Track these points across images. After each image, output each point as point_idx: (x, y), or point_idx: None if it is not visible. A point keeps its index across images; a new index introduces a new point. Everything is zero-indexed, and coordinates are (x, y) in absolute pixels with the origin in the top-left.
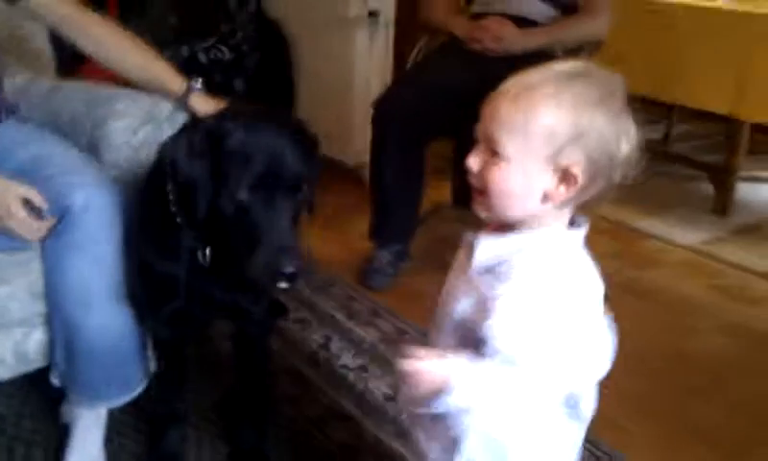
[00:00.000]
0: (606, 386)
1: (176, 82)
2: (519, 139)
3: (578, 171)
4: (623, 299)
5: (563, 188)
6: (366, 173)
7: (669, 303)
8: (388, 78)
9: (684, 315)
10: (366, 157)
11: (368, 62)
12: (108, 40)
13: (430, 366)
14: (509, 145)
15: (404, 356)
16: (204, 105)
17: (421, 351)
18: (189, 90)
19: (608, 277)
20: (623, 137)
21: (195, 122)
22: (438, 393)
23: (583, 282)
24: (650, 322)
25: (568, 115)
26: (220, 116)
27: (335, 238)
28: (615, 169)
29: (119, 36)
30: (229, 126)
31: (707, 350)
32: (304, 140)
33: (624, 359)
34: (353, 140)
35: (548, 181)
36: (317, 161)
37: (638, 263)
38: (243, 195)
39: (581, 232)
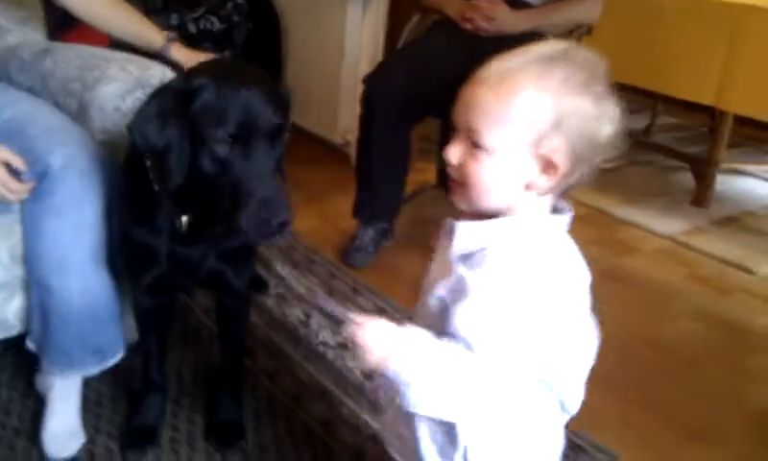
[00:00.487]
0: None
1: (156, 35)
2: (501, 129)
3: (560, 158)
4: (601, 283)
5: (545, 177)
6: (352, 150)
7: (646, 289)
8: (379, 55)
9: (660, 301)
10: (352, 135)
11: (359, 39)
12: None
13: (380, 330)
14: (490, 136)
15: (356, 322)
16: (184, 55)
17: (373, 317)
18: (168, 41)
19: (587, 261)
20: (605, 121)
21: (162, 86)
22: (385, 359)
23: (564, 271)
24: (626, 307)
25: (550, 101)
26: (187, 75)
27: (318, 214)
28: (597, 153)
29: None
30: (199, 82)
31: (679, 335)
32: (277, 92)
33: (606, 346)
34: (340, 117)
35: (530, 170)
36: (288, 115)
37: (618, 250)
38: (222, 150)
39: (564, 219)
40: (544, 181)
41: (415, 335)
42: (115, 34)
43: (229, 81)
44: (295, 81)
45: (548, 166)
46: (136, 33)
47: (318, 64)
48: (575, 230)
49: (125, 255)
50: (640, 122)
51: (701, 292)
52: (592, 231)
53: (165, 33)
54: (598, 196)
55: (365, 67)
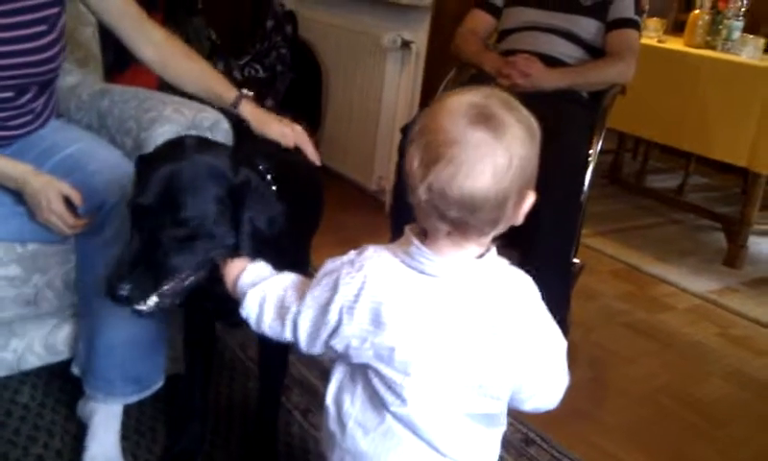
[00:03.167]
0: (607, 420)
1: (228, 90)
2: None
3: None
4: (633, 339)
5: None
6: (385, 197)
7: (678, 346)
8: (415, 106)
9: (692, 359)
10: (386, 182)
11: (396, 91)
12: (168, 49)
13: (233, 264)
14: None
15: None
16: (252, 113)
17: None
18: (240, 98)
19: (619, 316)
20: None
21: None
22: (233, 285)
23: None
24: (658, 362)
25: None
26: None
27: None
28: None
29: (176, 44)
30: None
31: (711, 394)
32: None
33: (630, 396)
34: (375, 165)
35: None
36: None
37: (650, 306)
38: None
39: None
40: None
41: (254, 267)
42: (186, 85)
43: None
44: (334, 128)
45: None
46: (209, 87)
47: (356, 114)
48: (610, 285)
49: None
50: (673, 181)
51: (733, 352)
52: (625, 287)
53: (238, 91)
54: (631, 252)
55: (401, 118)
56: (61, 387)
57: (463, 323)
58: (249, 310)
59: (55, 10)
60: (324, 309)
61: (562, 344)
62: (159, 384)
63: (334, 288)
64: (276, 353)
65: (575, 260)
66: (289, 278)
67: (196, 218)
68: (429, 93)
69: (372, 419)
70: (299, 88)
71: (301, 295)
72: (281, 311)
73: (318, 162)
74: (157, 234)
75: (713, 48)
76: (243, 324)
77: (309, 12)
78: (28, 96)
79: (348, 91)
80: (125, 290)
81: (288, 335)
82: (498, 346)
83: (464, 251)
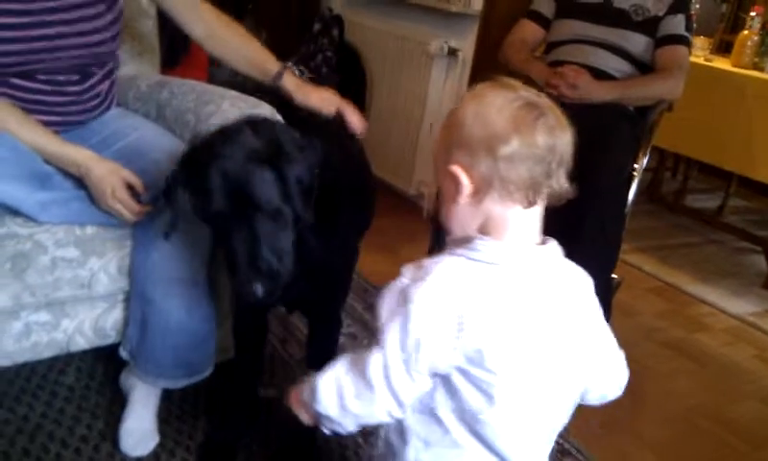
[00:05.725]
0: (643, 435)
1: (272, 62)
2: None
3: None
4: (670, 357)
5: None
6: (424, 203)
7: (715, 366)
8: None
9: (729, 380)
10: (426, 188)
11: (440, 98)
12: (214, 22)
13: (296, 392)
14: None
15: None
16: (294, 85)
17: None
18: (283, 70)
19: (656, 333)
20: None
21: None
22: (309, 413)
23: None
24: (694, 381)
25: None
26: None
27: (390, 261)
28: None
29: (223, 20)
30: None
31: (747, 415)
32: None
33: (665, 413)
34: (416, 171)
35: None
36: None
37: (687, 325)
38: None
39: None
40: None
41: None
42: (233, 59)
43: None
44: (376, 133)
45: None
46: (252, 58)
47: (399, 119)
48: (648, 303)
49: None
50: (712, 202)
51: None
52: (663, 305)
53: (281, 63)
54: (670, 270)
55: None
56: (105, 371)
57: (537, 311)
58: (326, 399)
59: None
60: (405, 333)
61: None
62: (208, 371)
63: (406, 308)
64: (324, 351)
65: (613, 276)
66: (349, 354)
67: (270, 203)
68: None
69: (434, 431)
70: (343, 92)
71: (377, 340)
72: (361, 370)
73: (361, 130)
74: (253, 233)
75: (761, 70)
76: (298, 308)
77: (357, 17)
78: (91, 81)
79: (392, 96)
80: (259, 291)
81: (382, 393)
82: (571, 332)
83: (523, 232)
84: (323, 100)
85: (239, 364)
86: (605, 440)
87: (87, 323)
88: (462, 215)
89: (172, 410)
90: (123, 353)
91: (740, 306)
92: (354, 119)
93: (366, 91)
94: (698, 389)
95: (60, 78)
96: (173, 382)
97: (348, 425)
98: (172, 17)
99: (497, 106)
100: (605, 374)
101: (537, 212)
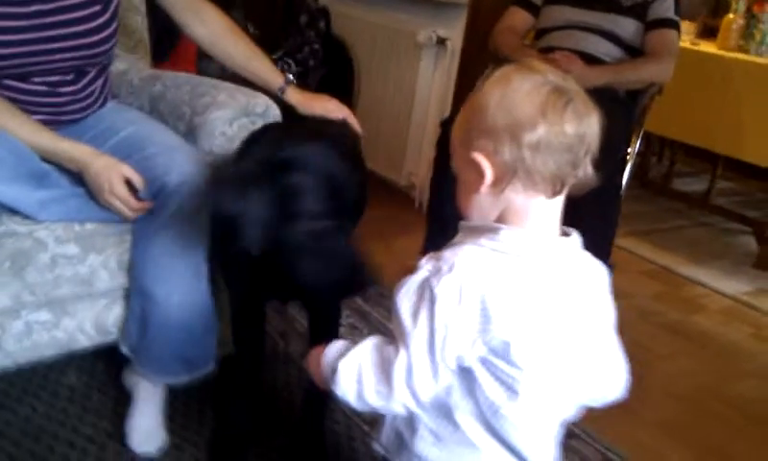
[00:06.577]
0: (648, 416)
1: (275, 75)
2: None
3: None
4: (669, 338)
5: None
6: (415, 192)
7: (713, 346)
8: (448, 103)
9: (727, 358)
10: (416, 178)
11: (430, 88)
12: (219, 28)
13: (314, 355)
14: None
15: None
16: (299, 98)
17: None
18: (286, 84)
19: (653, 316)
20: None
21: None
22: (321, 376)
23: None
24: (694, 361)
25: None
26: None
27: (385, 252)
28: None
29: (228, 26)
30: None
31: (747, 392)
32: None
33: (668, 392)
34: (406, 161)
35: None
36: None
37: (684, 307)
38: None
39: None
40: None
41: (335, 344)
42: (237, 69)
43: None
44: (365, 124)
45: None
46: (256, 71)
47: (388, 109)
48: (644, 285)
49: (223, 267)
50: (699, 185)
51: (767, 351)
52: (658, 287)
53: (284, 75)
54: (662, 253)
55: (435, 114)
56: (106, 369)
57: (560, 304)
58: (345, 384)
59: None
60: (431, 331)
61: None
62: (211, 366)
63: (431, 301)
64: (326, 331)
65: None
66: (375, 338)
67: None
68: (464, 90)
69: (444, 426)
70: (330, 84)
71: (398, 341)
72: (384, 367)
73: (360, 131)
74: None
75: (746, 52)
76: (296, 300)
77: (343, 8)
78: (86, 80)
79: (380, 87)
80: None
81: (401, 391)
82: (588, 327)
83: (545, 222)
84: (327, 110)
85: (239, 358)
86: (610, 420)
87: (88, 320)
88: (482, 204)
89: (177, 407)
90: (123, 349)
91: (733, 286)
92: (354, 122)
93: (354, 83)
94: (699, 369)
95: (55, 79)
96: (174, 378)
97: (361, 409)
98: (172, 17)
99: (525, 90)
100: (609, 372)
101: (559, 202)
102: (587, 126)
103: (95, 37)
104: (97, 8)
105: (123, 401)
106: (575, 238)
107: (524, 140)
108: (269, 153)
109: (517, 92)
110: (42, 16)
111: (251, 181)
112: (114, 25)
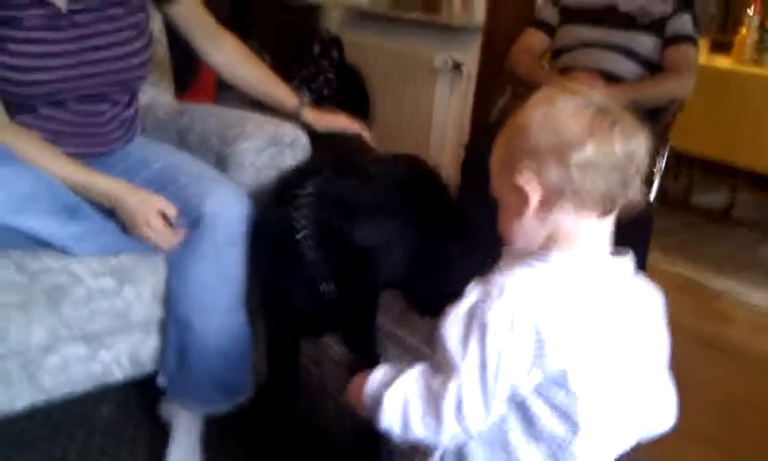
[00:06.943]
0: (681, 426)
1: (291, 97)
2: None
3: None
4: (702, 351)
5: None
6: None
7: (745, 358)
8: (465, 127)
9: (760, 369)
10: None
11: (446, 113)
12: (237, 55)
13: (354, 385)
14: None
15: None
16: (315, 117)
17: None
18: (302, 104)
19: (685, 329)
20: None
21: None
22: (364, 405)
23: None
24: (726, 372)
25: None
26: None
27: None
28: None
29: (245, 53)
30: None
31: None
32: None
33: (705, 405)
34: None
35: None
36: None
37: (715, 319)
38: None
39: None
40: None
41: (379, 370)
42: (254, 93)
43: None
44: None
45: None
46: (273, 94)
47: (405, 136)
48: (675, 299)
49: (264, 299)
50: (719, 199)
51: None
52: (688, 300)
53: (299, 96)
54: (689, 267)
55: (452, 139)
56: (138, 403)
57: (615, 329)
58: (391, 415)
59: (142, 15)
60: (483, 360)
61: None
62: (249, 392)
63: (482, 329)
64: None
65: None
66: (421, 365)
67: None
68: (480, 114)
69: (498, 459)
70: (345, 112)
71: (446, 371)
72: (431, 399)
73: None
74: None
75: (762, 66)
76: (327, 332)
77: (355, 37)
78: (119, 108)
79: (396, 114)
80: None
81: (451, 424)
82: (644, 354)
83: (595, 243)
84: (344, 127)
85: (274, 387)
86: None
87: (124, 353)
88: (527, 228)
89: (212, 437)
90: (161, 381)
91: (764, 298)
92: (368, 134)
93: (369, 110)
94: (733, 380)
95: (90, 107)
96: (214, 406)
97: (406, 441)
98: (193, 46)
99: (569, 111)
100: (660, 402)
101: (609, 224)
102: (636, 145)
103: (132, 61)
104: (134, 32)
105: (158, 434)
106: (628, 260)
107: (572, 160)
108: (390, 181)
109: (562, 112)
110: (82, 40)
111: (385, 210)
112: (149, 52)
